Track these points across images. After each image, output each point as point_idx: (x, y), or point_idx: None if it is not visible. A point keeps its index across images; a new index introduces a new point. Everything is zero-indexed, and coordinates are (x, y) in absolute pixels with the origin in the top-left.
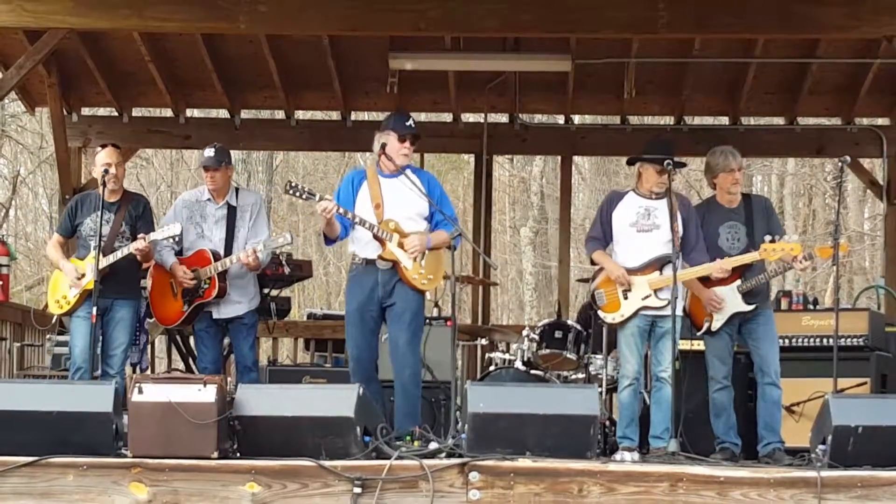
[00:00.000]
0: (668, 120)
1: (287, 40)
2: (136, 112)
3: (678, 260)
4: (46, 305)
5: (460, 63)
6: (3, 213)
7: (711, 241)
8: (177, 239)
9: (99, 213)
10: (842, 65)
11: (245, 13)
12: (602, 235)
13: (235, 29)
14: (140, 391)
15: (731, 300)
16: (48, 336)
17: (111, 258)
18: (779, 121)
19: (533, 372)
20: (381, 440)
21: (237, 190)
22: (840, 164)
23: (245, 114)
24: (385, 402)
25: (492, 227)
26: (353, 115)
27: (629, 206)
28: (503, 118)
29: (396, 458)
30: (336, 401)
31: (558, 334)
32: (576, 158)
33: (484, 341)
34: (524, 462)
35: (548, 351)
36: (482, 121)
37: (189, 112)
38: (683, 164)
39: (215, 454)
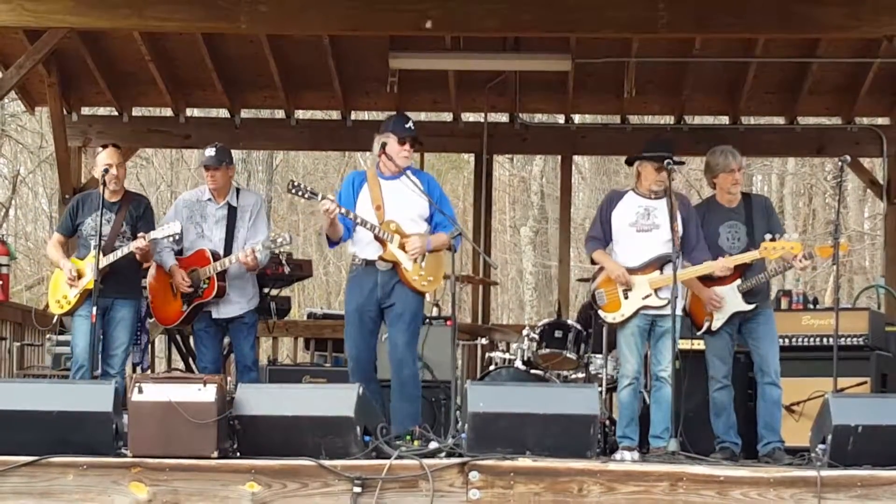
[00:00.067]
0: (669, 119)
1: (287, 40)
2: (136, 112)
3: (679, 259)
4: (47, 305)
5: (460, 63)
6: (2, 213)
7: (711, 241)
8: (177, 238)
9: (99, 212)
10: (842, 64)
11: (245, 13)
12: (602, 235)
13: (236, 29)
14: (140, 391)
15: (731, 300)
16: (48, 336)
17: (111, 257)
18: (779, 120)
19: (533, 371)
20: (381, 440)
21: (238, 190)
22: (840, 163)
23: (245, 113)
24: (384, 402)
25: (492, 227)
26: (353, 115)
27: (629, 206)
28: (503, 118)
29: (396, 458)
30: (336, 400)
31: (558, 334)
32: (576, 158)
33: (484, 341)
34: (524, 461)
35: (548, 350)
36: (482, 120)
37: (189, 112)
38: (682, 163)
39: (215, 454)
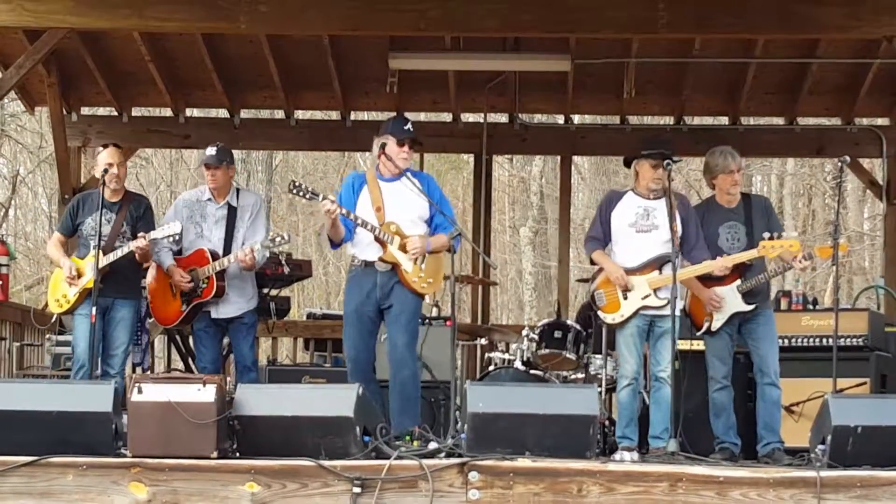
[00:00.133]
0: (668, 120)
1: (287, 40)
2: (136, 112)
3: (678, 259)
4: (46, 304)
5: (460, 63)
6: (2, 213)
7: (711, 242)
8: (177, 238)
9: (99, 212)
10: (842, 65)
11: (245, 13)
12: (601, 235)
13: (236, 29)
14: (139, 391)
15: (730, 300)
16: (48, 336)
17: (111, 257)
18: (779, 121)
19: (532, 372)
20: (381, 440)
21: (238, 191)
22: (840, 164)
23: (245, 113)
24: (384, 403)
25: (491, 227)
26: (353, 115)
27: (628, 207)
28: (503, 118)
29: (396, 458)
30: (335, 400)
31: (558, 334)
32: (575, 158)
33: (483, 341)
34: (524, 462)
35: (547, 351)
36: (482, 121)
37: (189, 112)
38: (679, 160)
39: (215, 454)
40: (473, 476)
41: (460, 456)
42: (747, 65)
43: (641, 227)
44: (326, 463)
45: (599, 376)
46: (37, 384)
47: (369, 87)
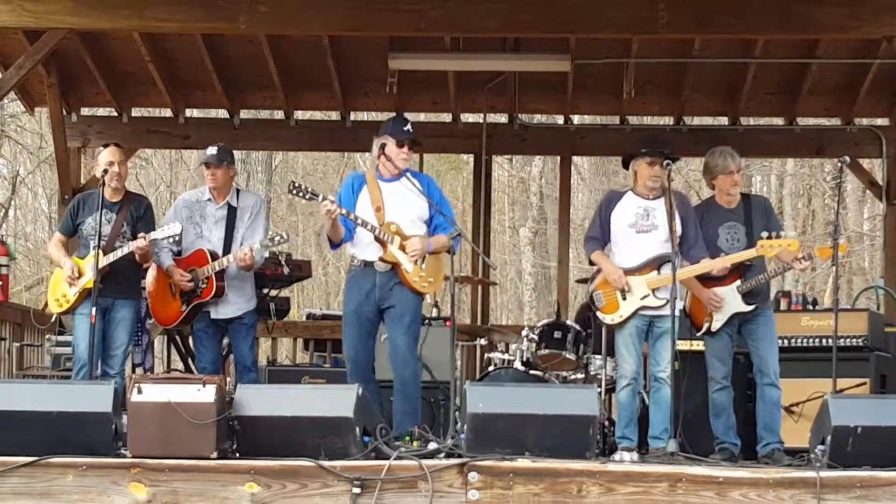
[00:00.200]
0: (668, 120)
1: (287, 40)
2: (136, 112)
3: (678, 258)
4: (46, 304)
5: (460, 63)
6: (2, 214)
7: (711, 242)
8: (177, 239)
9: (99, 212)
10: (842, 65)
11: (245, 13)
12: (601, 236)
13: (235, 29)
14: (139, 391)
15: (730, 300)
16: (48, 336)
17: (111, 257)
18: (778, 121)
19: (532, 372)
20: (381, 440)
21: (238, 191)
22: (839, 164)
23: (244, 114)
24: (383, 403)
25: (491, 228)
26: (353, 116)
27: (628, 207)
28: (502, 118)
29: (395, 459)
30: (335, 401)
31: (557, 334)
32: (575, 159)
33: (483, 341)
34: (523, 462)
35: (547, 351)
36: (481, 121)
37: (188, 112)
38: (676, 158)
39: (214, 454)
40: (473, 476)
41: (460, 456)
42: (747, 65)
43: (641, 228)
44: (326, 463)
45: (599, 376)
46: (37, 384)
47: (369, 88)
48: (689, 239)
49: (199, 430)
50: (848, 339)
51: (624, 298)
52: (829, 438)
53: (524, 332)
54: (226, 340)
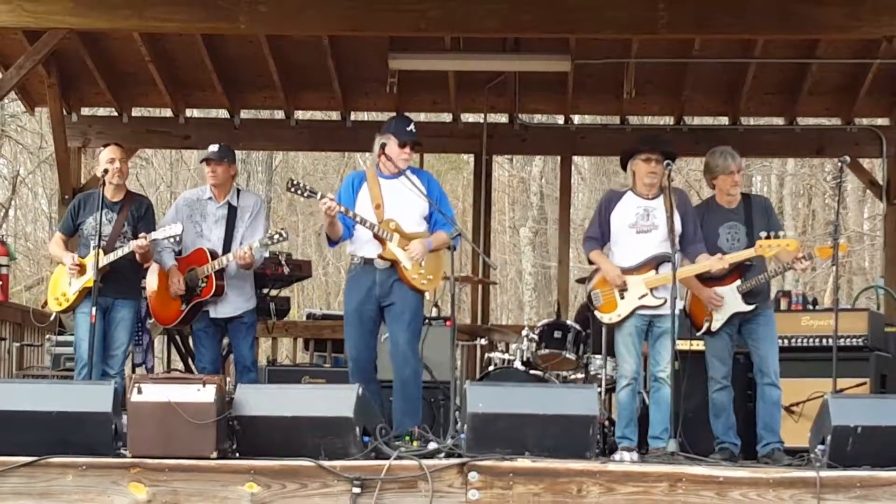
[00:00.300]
0: (668, 120)
1: (287, 40)
2: (136, 112)
3: (678, 256)
4: (45, 303)
5: (460, 63)
6: (2, 214)
7: (711, 242)
8: (178, 239)
9: (99, 211)
10: (842, 65)
11: (245, 13)
12: (600, 235)
13: (235, 29)
14: (139, 391)
15: (730, 300)
16: (48, 336)
17: (111, 257)
18: (778, 121)
19: (532, 372)
20: (381, 440)
21: (239, 191)
22: (839, 164)
23: (244, 114)
24: (384, 402)
25: (491, 228)
26: (353, 116)
27: (628, 207)
28: (503, 118)
29: (395, 459)
30: (335, 401)
31: (557, 334)
32: (575, 158)
33: (483, 341)
34: (523, 462)
35: (547, 351)
36: (482, 121)
37: (189, 112)
38: (675, 155)
39: (214, 454)
40: (473, 476)
41: (460, 456)
42: (747, 65)
43: (641, 228)
44: (326, 463)
45: (599, 376)
46: (37, 384)
47: (369, 88)
48: (689, 236)
49: (199, 430)
50: (848, 339)
51: (622, 297)
52: (829, 438)
53: (524, 332)
54: (226, 340)
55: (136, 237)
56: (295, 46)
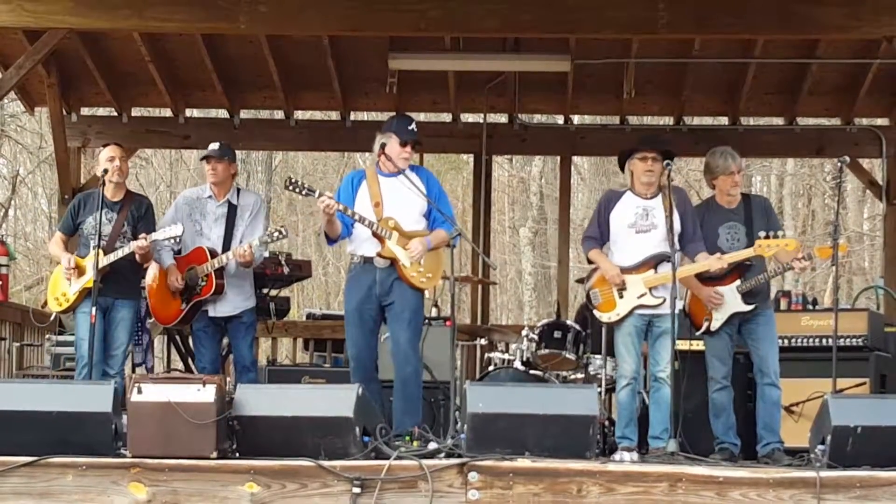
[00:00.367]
0: (668, 120)
1: (287, 40)
2: (136, 112)
3: (677, 254)
4: (45, 302)
5: (460, 63)
6: (2, 213)
7: (711, 242)
8: (178, 240)
9: (99, 211)
10: (842, 65)
11: (245, 13)
12: (599, 235)
13: (235, 29)
14: (139, 391)
15: (730, 300)
16: (48, 336)
17: (112, 257)
18: (778, 121)
19: (532, 372)
20: (381, 440)
21: (238, 190)
22: (839, 164)
23: (244, 114)
24: (385, 402)
25: (491, 228)
26: (353, 116)
27: (627, 207)
28: (502, 118)
29: (395, 459)
30: (335, 401)
31: (557, 334)
32: (575, 159)
33: (483, 341)
34: (523, 462)
35: (547, 351)
36: (481, 121)
37: (188, 112)
38: (672, 154)
39: (214, 454)
40: (473, 476)
41: (460, 456)
42: (747, 65)
43: (641, 228)
44: (326, 463)
45: (599, 376)
46: (37, 384)
47: (369, 88)
48: (688, 234)
49: (199, 429)
50: (848, 339)
51: (621, 297)
52: (829, 438)
53: (524, 332)
54: (225, 340)
55: (135, 237)
56: (295, 46)
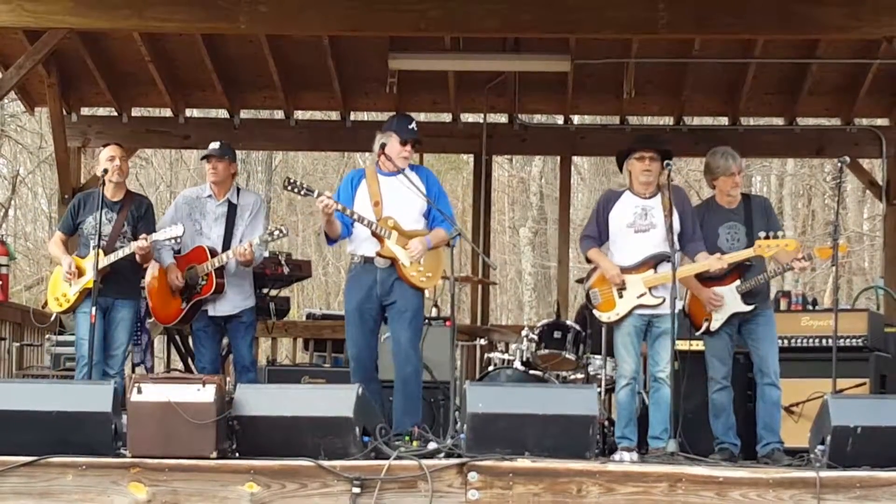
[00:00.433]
0: (668, 120)
1: (287, 40)
2: (136, 112)
3: (677, 254)
4: (46, 303)
5: (460, 63)
6: (2, 213)
7: (711, 242)
8: (178, 240)
9: (99, 211)
10: (841, 65)
11: (245, 13)
12: (597, 234)
13: (235, 29)
14: (139, 391)
15: (730, 301)
16: (47, 336)
17: (112, 257)
18: (778, 121)
19: (532, 372)
20: (380, 440)
21: (238, 189)
22: (839, 164)
23: (244, 114)
24: (385, 402)
25: (491, 228)
26: (353, 116)
27: (626, 207)
28: (502, 118)
29: (395, 458)
30: (335, 401)
31: (557, 334)
32: (575, 159)
33: (483, 341)
34: (523, 462)
35: (547, 351)
36: (481, 121)
37: (188, 112)
38: (670, 154)
39: (214, 454)
40: (473, 476)
41: (460, 456)
42: (747, 65)
43: (640, 227)
44: (326, 463)
45: (599, 376)
46: (37, 384)
47: (369, 88)
48: (687, 233)
49: (199, 429)
50: (848, 340)
51: (620, 296)
52: (828, 438)
53: (524, 332)
54: (225, 340)
55: (135, 237)
56: (295, 46)
